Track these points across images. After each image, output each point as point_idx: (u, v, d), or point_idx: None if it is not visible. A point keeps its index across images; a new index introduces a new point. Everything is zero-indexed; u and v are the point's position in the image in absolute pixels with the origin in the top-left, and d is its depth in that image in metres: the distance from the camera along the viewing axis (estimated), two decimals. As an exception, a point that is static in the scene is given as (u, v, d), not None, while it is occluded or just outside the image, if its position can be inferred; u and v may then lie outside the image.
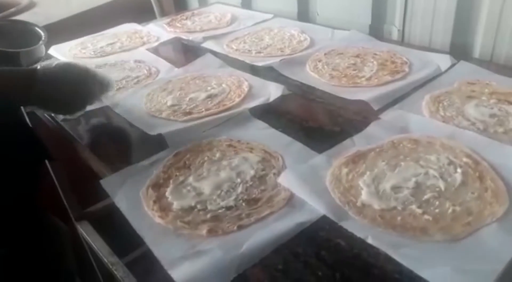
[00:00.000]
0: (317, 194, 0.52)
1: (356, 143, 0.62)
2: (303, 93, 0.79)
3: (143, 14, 1.47)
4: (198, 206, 0.53)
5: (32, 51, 0.87)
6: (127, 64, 0.98)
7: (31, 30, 0.96)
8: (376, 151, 0.59)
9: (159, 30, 1.18)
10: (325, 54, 0.92)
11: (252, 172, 0.58)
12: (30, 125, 1.04)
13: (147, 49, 1.06)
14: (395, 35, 1.01)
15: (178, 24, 1.22)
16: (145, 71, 0.93)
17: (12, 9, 1.36)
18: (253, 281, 0.44)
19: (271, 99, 0.77)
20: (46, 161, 1.13)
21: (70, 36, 1.17)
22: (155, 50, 1.06)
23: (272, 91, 0.79)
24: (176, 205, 0.54)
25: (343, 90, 0.77)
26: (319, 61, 0.89)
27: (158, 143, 0.67)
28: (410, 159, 0.57)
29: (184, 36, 1.13)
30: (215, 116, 0.72)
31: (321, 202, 0.51)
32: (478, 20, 0.86)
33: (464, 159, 0.55)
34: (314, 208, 0.51)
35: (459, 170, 0.54)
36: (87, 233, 1.20)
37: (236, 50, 1.00)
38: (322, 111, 0.74)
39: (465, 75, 0.77)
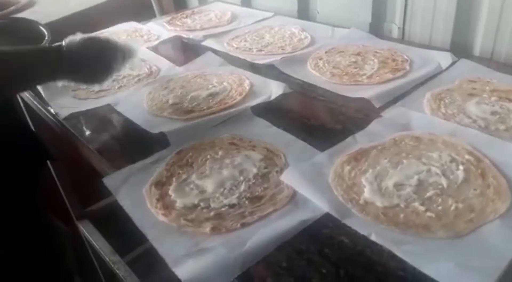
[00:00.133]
0: (320, 191, 0.52)
1: (358, 141, 0.62)
2: (304, 91, 0.80)
3: (143, 13, 1.47)
4: (201, 204, 0.54)
5: None
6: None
7: (35, 29, 0.96)
8: (378, 149, 0.59)
9: (159, 29, 1.18)
10: (326, 52, 0.92)
11: (254, 170, 0.59)
12: (32, 126, 1.04)
13: (148, 48, 1.06)
14: (395, 33, 1.01)
15: (178, 23, 1.22)
16: (146, 70, 0.93)
17: (12, 8, 1.35)
18: (257, 279, 0.44)
19: (273, 97, 0.77)
20: (48, 162, 1.13)
21: (69, 35, 1.17)
22: (156, 49, 1.06)
23: (274, 89, 0.79)
24: (179, 203, 0.54)
25: (344, 88, 0.77)
26: (320, 59, 0.89)
27: (159, 141, 0.67)
28: (412, 156, 0.57)
29: (184, 34, 1.13)
30: (217, 115, 0.72)
31: (324, 200, 0.51)
32: (478, 18, 0.86)
33: (466, 156, 0.56)
34: (317, 205, 0.51)
35: (461, 167, 0.54)
36: (88, 232, 1.20)
37: (237, 48, 1.00)
38: (323, 109, 0.74)
39: (466, 73, 0.77)
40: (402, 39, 1.00)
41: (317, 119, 0.71)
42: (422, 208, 0.49)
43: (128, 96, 0.83)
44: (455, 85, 0.73)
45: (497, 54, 0.85)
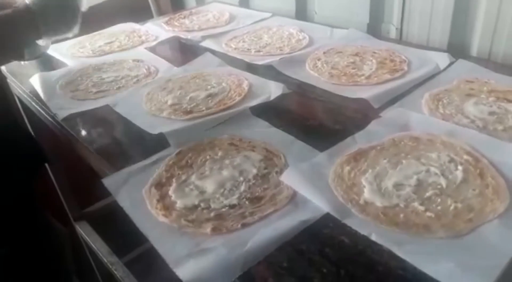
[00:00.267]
0: (320, 192, 0.53)
1: (357, 141, 0.62)
2: (303, 91, 0.80)
3: (140, 13, 1.47)
4: (202, 205, 0.54)
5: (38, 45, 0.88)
6: (126, 63, 0.98)
7: None
8: (377, 149, 0.60)
9: (157, 29, 1.18)
10: (324, 52, 0.92)
11: (254, 170, 0.59)
12: (30, 128, 1.04)
13: (146, 48, 1.06)
14: (393, 33, 1.02)
15: (176, 23, 1.22)
16: (144, 70, 0.93)
17: (8, 11, 1.35)
18: (258, 279, 0.44)
19: (272, 98, 0.77)
20: (46, 164, 1.13)
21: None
22: (154, 49, 1.06)
23: (273, 90, 0.79)
24: (179, 204, 0.54)
25: (343, 89, 0.77)
26: (319, 59, 0.89)
27: (158, 142, 0.67)
28: (411, 157, 0.57)
29: (182, 35, 1.13)
30: (216, 115, 0.72)
31: (324, 200, 0.51)
32: (475, 19, 0.87)
33: (465, 156, 0.56)
34: (317, 205, 0.51)
35: (460, 167, 0.54)
36: (86, 233, 1.20)
37: (235, 49, 1.00)
38: (322, 109, 0.74)
39: (464, 73, 0.77)
40: (400, 40, 1.00)
41: (316, 119, 0.71)
42: (421, 208, 0.49)
43: (127, 97, 0.83)
44: (453, 86, 0.74)
45: (494, 54, 0.86)
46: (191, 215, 0.52)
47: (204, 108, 0.75)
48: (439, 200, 0.50)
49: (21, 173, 0.91)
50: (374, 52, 0.89)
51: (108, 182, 0.59)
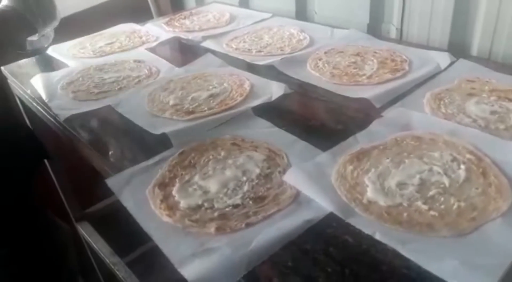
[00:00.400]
0: (324, 191, 0.53)
1: (360, 141, 0.62)
2: (304, 91, 0.80)
3: (140, 14, 1.47)
4: (205, 205, 0.54)
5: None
6: (127, 64, 0.98)
7: None
8: (380, 148, 0.60)
9: (157, 30, 1.18)
10: (325, 52, 0.92)
11: (257, 170, 0.59)
12: (31, 127, 1.04)
13: (147, 49, 1.06)
14: (393, 33, 1.02)
15: (176, 24, 1.22)
16: (146, 71, 0.93)
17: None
18: (263, 278, 0.44)
19: (273, 98, 0.77)
20: (47, 163, 1.13)
21: (66, 37, 1.17)
22: (155, 50, 1.06)
23: (274, 90, 0.79)
24: (183, 204, 0.54)
25: (344, 89, 0.78)
26: (320, 59, 0.89)
27: (160, 142, 0.67)
28: (414, 156, 0.58)
29: (183, 35, 1.13)
30: (218, 115, 0.73)
31: (328, 199, 0.51)
32: (475, 19, 0.87)
33: (467, 155, 0.56)
34: (321, 205, 0.51)
35: (462, 166, 0.54)
36: (87, 234, 1.20)
37: (236, 49, 1.00)
38: (324, 109, 0.74)
39: (465, 73, 0.77)
40: (400, 40, 1.00)
41: (318, 119, 0.72)
42: (425, 207, 0.49)
43: (129, 97, 0.83)
44: (454, 85, 0.74)
45: (494, 54, 0.86)
46: (195, 215, 0.52)
47: (206, 108, 0.75)
48: (442, 199, 0.50)
49: (22, 170, 0.91)
50: (375, 52, 0.89)
51: (111, 182, 0.59)
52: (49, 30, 0.93)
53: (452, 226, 0.46)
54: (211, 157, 0.63)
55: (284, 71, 0.87)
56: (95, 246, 1.17)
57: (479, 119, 0.64)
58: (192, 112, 0.74)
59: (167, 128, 0.69)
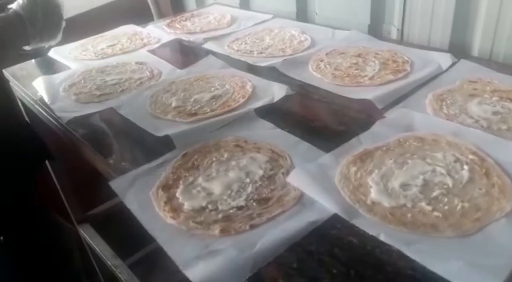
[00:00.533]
0: (327, 192, 0.53)
1: (363, 142, 0.62)
2: (306, 93, 0.80)
3: (140, 16, 1.47)
4: (209, 206, 0.54)
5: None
6: (129, 66, 0.98)
7: None
8: (383, 149, 0.60)
9: (159, 32, 1.18)
10: (326, 54, 0.92)
11: (261, 172, 0.59)
12: (31, 127, 1.04)
13: (148, 51, 1.06)
14: (394, 34, 1.02)
15: (177, 25, 1.22)
16: (148, 73, 0.93)
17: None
18: (268, 280, 0.44)
19: (276, 99, 0.77)
20: (48, 166, 1.13)
21: (67, 38, 1.17)
22: (156, 52, 1.06)
23: (276, 91, 0.79)
24: (187, 206, 0.54)
25: (346, 90, 0.78)
26: (321, 61, 0.89)
27: (163, 144, 0.67)
28: (417, 157, 0.58)
29: (184, 37, 1.13)
30: (221, 117, 0.73)
31: (332, 201, 0.51)
32: (476, 19, 0.87)
33: (470, 156, 0.56)
34: (325, 206, 0.51)
35: (465, 167, 0.55)
36: (89, 236, 1.20)
37: (238, 50, 1.00)
38: (326, 110, 0.75)
39: (466, 73, 0.78)
40: (401, 41, 1.00)
41: (320, 120, 0.72)
42: (429, 208, 0.49)
43: (131, 99, 0.83)
44: (456, 86, 0.74)
45: (495, 54, 0.86)
46: (199, 216, 0.52)
47: (208, 110, 0.75)
48: (446, 199, 0.50)
49: (24, 170, 0.91)
50: (377, 53, 0.89)
51: (115, 184, 0.59)
52: (43, 45, 0.94)
53: (456, 226, 0.46)
54: (214, 158, 0.63)
55: (285, 73, 0.87)
56: (96, 248, 1.17)
57: (482, 120, 0.64)
58: (195, 114, 0.75)
59: (170, 130, 0.69)
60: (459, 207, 0.49)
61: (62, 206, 1.22)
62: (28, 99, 0.92)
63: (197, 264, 0.46)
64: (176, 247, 0.48)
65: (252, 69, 0.91)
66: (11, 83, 1.01)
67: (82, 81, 0.92)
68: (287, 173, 0.58)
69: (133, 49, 1.08)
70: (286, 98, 0.78)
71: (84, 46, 1.13)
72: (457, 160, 0.56)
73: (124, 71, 0.95)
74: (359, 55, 0.90)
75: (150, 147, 0.68)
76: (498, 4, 0.82)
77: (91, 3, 1.45)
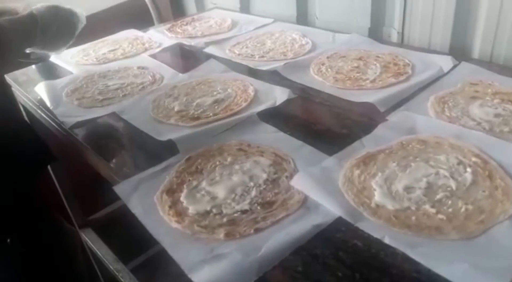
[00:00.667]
0: (331, 196, 0.53)
1: (365, 145, 0.63)
2: (308, 96, 0.80)
3: (140, 21, 1.47)
4: (214, 210, 0.54)
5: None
6: (131, 70, 0.98)
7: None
8: (386, 152, 0.60)
9: (160, 36, 1.19)
10: (327, 57, 0.93)
11: (264, 175, 0.59)
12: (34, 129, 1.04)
13: (150, 55, 1.06)
14: (394, 37, 1.03)
15: (178, 30, 1.22)
16: (150, 78, 0.94)
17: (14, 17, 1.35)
18: (274, 283, 0.44)
19: (278, 103, 0.77)
20: (50, 170, 1.13)
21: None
22: (158, 56, 1.06)
23: (278, 95, 0.80)
24: (191, 210, 0.54)
25: (348, 93, 0.78)
26: (323, 64, 0.90)
27: (166, 148, 0.67)
28: (420, 160, 0.58)
29: (185, 41, 1.14)
30: (224, 121, 0.73)
31: (336, 204, 0.52)
32: (476, 22, 0.88)
33: (473, 159, 0.57)
34: (329, 209, 0.52)
35: (468, 169, 0.55)
36: (91, 240, 1.20)
37: (239, 54, 1.01)
38: (328, 114, 0.75)
39: (468, 76, 0.78)
40: (401, 44, 1.01)
41: (322, 124, 0.72)
42: (433, 210, 0.50)
43: (133, 104, 0.83)
44: (458, 88, 0.74)
45: (496, 57, 0.87)
46: (204, 220, 0.53)
47: (211, 114, 0.75)
48: (449, 202, 0.51)
49: (26, 173, 0.91)
50: (378, 56, 0.90)
51: (119, 189, 0.60)
52: (40, 54, 0.94)
53: (460, 229, 0.47)
54: (217, 162, 0.63)
55: (287, 76, 0.87)
56: (98, 252, 1.17)
57: (483, 122, 0.64)
58: (198, 118, 0.75)
59: (173, 135, 0.69)
60: (463, 209, 0.49)
61: (64, 210, 1.22)
62: (31, 104, 0.92)
63: (203, 268, 0.46)
64: (181, 251, 0.48)
65: (254, 73, 0.92)
66: (13, 88, 1.01)
67: (84, 86, 0.93)
68: (290, 176, 0.58)
69: (135, 53, 1.09)
70: (288, 102, 0.78)
71: (86, 51, 1.13)
72: (460, 162, 0.56)
73: (126, 76, 0.96)
74: (360, 59, 0.90)
75: (153, 151, 0.68)
76: (498, 6, 0.83)
77: (92, 8, 1.45)
